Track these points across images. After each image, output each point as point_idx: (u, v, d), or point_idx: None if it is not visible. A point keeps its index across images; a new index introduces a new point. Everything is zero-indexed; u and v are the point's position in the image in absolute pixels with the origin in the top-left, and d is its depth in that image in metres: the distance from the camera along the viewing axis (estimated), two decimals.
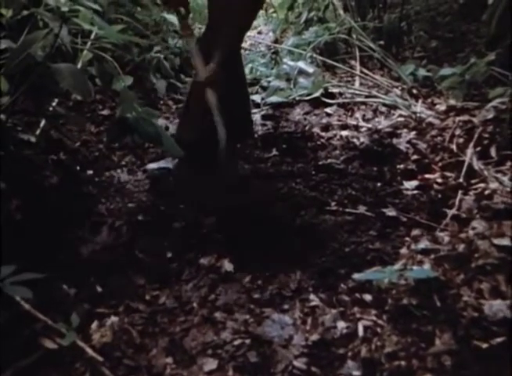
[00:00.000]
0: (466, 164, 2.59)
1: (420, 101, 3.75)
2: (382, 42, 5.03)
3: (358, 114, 3.73)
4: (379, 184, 2.65)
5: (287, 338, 1.66)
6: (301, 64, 4.52)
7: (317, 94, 4.06)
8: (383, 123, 3.49)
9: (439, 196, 2.45)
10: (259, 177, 2.74)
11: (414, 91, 4.00)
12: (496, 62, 3.46)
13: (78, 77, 2.00)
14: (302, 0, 6.10)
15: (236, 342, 1.65)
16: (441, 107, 3.53)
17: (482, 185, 2.39)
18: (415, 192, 2.52)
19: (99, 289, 1.92)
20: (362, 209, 2.41)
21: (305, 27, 5.76)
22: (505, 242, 1.87)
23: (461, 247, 1.93)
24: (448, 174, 2.62)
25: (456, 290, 1.73)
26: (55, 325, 1.60)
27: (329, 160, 2.94)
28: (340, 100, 4.03)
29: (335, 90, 4.22)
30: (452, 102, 3.57)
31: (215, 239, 2.21)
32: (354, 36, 5.14)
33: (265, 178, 2.73)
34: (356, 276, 1.89)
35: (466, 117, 3.10)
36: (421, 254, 1.96)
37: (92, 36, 2.71)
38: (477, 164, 2.56)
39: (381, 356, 1.54)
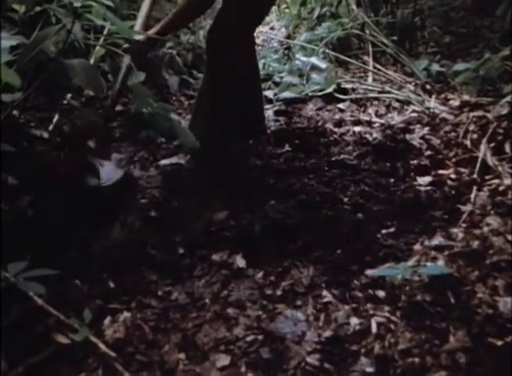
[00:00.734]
0: (480, 159, 2.57)
1: (434, 96, 3.73)
2: (395, 38, 5.01)
3: (371, 110, 3.71)
4: (392, 180, 2.64)
5: (300, 335, 1.65)
6: (314, 60, 4.51)
7: (330, 90, 4.05)
8: (396, 119, 3.47)
9: (453, 192, 2.43)
10: (272, 173, 2.73)
11: (427, 86, 3.98)
12: (511, 57, 3.43)
13: (91, 72, 2.00)
14: None
15: (249, 338, 1.64)
16: (455, 103, 3.51)
17: (496, 181, 2.38)
18: (428, 188, 2.51)
19: (112, 285, 1.92)
20: (374, 205, 2.40)
21: (318, 23, 5.75)
22: None
23: (475, 243, 1.92)
24: (462, 170, 2.60)
25: (471, 286, 1.72)
26: (67, 321, 1.60)
27: (342, 156, 2.93)
28: (353, 96, 4.01)
29: (348, 86, 4.20)
30: (465, 97, 3.55)
31: (227, 235, 2.20)
32: (367, 31, 5.12)
33: (278, 173, 2.72)
34: (369, 272, 1.89)
35: (480, 113, 3.08)
36: (435, 250, 1.95)
37: (105, 32, 2.71)
38: (491, 160, 2.54)
39: (395, 353, 1.53)
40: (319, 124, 3.51)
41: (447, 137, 2.97)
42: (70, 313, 1.64)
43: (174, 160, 2.86)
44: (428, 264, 1.86)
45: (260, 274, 1.96)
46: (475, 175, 2.48)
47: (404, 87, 4.03)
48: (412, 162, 2.80)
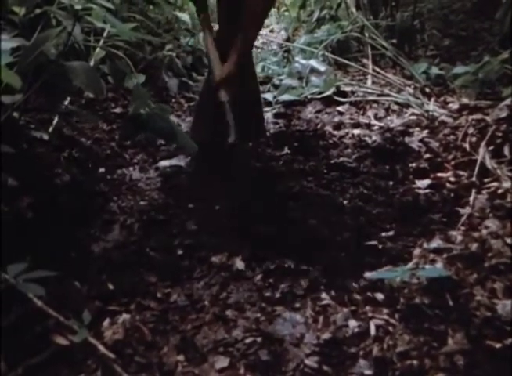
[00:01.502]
0: (478, 162, 2.58)
1: (433, 99, 3.73)
2: (394, 40, 5.02)
3: (370, 113, 3.72)
4: (391, 183, 2.65)
5: (299, 337, 1.65)
6: (313, 62, 4.52)
7: (329, 92, 4.06)
8: (395, 121, 3.47)
9: (452, 195, 2.44)
10: (271, 175, 2.73)
11: (427, 89, 3.98)
12: (510, 60, 3.44)
13: (91, 75, 2.00)
14: None
15: (248, 340, 1.64)
16: (454, 106, 3.51)
17: (495, 184, 2.38)
18: (427, 191, 2.51)
19: (111, 286, 1.92)
20: (373, 208, 2.40)
21: (317, 26, 5.77)
22: None
23: (474, 246, 1.92)
24: (460, 173, 2.61)
25: (469, 289, 1.72)
26: (67, 322, 1.60)
27: (341, 159, 2.94)
28: (352, 99, 4.02)
29: (347, 88, 4.21)
30: (464, 100, 3.55)
31: (227, 237, 2.21)
32: (366, 34, 5.13)
33: (277, 176, 2.72)
34: (368, 274, 1.89)
35: (479, 116, 3.08)
36: (434, 253, 1.95)
37: (105, 34, 2.71)
38: (490, 163, 2.55)
39: (393, 355, 1.53)
40: (319, 126, 3.52)
41: (446, 140, 2.98)
42: (69, 315, 1.64)
43: (173, 162, 2.87)
44: (427, 267, 1.86)
45: (259, 276, 1.97)
46: (474, 178, 2.49)
47: (403, 90, 4.03)
48: (411, 165, 2.80)
